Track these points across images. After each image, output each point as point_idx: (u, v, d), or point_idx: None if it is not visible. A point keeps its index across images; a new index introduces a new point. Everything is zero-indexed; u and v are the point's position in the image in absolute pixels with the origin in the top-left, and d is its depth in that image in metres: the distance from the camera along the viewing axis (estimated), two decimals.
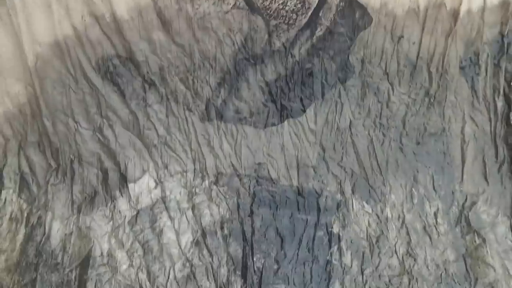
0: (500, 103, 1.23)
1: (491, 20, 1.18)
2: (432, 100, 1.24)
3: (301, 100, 1.24)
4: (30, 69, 1.12)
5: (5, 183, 1.21)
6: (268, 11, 1.15)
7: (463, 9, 1.15)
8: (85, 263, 1.13)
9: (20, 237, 1.16)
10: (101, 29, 1.13)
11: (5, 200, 1.21)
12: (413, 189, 1.23)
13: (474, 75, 1.22)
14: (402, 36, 1.20)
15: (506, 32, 1.18)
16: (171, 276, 1.13)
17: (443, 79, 1.23)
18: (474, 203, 1.23)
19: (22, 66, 1.12)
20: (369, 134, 1.26)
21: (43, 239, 1.15)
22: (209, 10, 1.14)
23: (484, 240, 1.15)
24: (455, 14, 1.16)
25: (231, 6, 1.15)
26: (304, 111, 1.23)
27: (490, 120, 1.25)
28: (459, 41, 1.19)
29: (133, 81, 1.19)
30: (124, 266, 1.12)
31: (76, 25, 1.10)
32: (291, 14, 1.17)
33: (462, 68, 1.22)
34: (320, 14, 1.18)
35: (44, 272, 1.10)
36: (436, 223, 1.20)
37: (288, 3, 1.15)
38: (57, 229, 1.16)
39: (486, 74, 1.22)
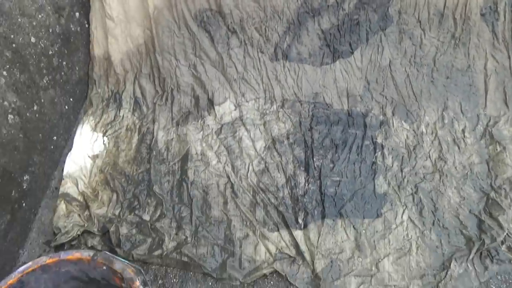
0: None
1: None
2: (457, 42, 1.49)
3: (350, 44, 1.53)
4: (150, 16, 1.52)
5: (123, 104, 1.56)
6: None
7: None
8: (184, 158, 1.43)
9: (135, 140, 1.49)
10: None
11: (123, 116, 1.56)
12: (443, 113, 1.46)
13: (494, 20, 1.47)
14: None
15: None
16: (250, 169, 1.41)
17: (466, 24, 1.49)
18: (496, 122, 1.44)
19: (144, 14, 1.50)
20: (405, 70, 1.52)
21: (152, 142, 1.47)
22: None
23: (504, 148, 1.36)
24: None
25: None
26: (352, 53, 1.52)
27: (509, 57, 1.48)
28: None
29: (220, 29, 1.54)
30: (214, 162, 1.42)
31: None
32: None
33: (482, 15, 1.48)
34: None
35: (155, 163, 1.41)
36: (464, 136, 1.41)
37: None
38: (161, 136, 1.49)
39: (505, 19, 1.46)
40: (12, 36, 1.21)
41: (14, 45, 1.22)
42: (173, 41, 1.53)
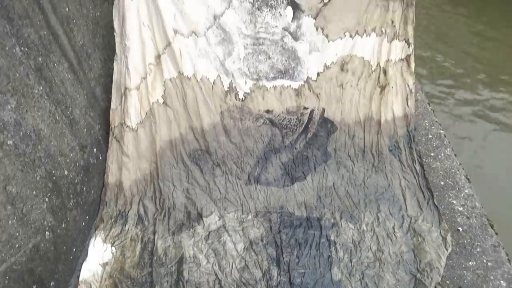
0: (418, 167, 2.10)
1: (400, 124, 2.12)
2: (377, 169, 2.04)
3: (303, 172, 2.04)
4: (156, 153, 2.04)
5: (128, 220, 1.86)
6: (282, 125, 2.17)
7: (382, 120, 2.15)
8: (180, 261, 1.65)
9: (138, 248, 1.74)
10: (194, 136, 2.10)
11: (128, 229, 1.85)
12: (378, 215, 1.86)
13: (398, 153, 2.09)
14: (354, 135, 2.17)
15: (409, 129, 2.16)
16: (233, 267, 1.59)
17: (380, 157, 2.07)
18: (416, 220, 1.87)
19: (151, 152, 1.98)
20: (345, 188, 2.01)
21: (153, 249, 1.73)
22: (250, 125, 2.14)
23: (424, 239, 1.76)
24: (379, 123, 2.17)
25: (261, 122, 2.17)
26: (305, 178, 2.01)
27: (414, 177, 2.07)
28: (385, 137, 2.10)
29: (207, 163, 2.03)
30: (204, 263, 1.66)
31: (181, 132, 2.08)
32: (294, 127, 2.16)
33: (390, 150, 2.09)
34: (309, 126, 2.18)
35: (155, 267, 1.58)
36: (394, 232, 1.80)
37: (292, 121, 2.18)
38: (160, 244, 1.77)
39: (405, 152, 2.13)
40: (53, 171, 1.64)
41: (54, 178, 1.64)
42: (172, 172, 2.02)
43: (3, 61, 1.36)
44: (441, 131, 2.34)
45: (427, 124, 2.39)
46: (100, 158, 2.01)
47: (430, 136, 2.31)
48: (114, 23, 1.86)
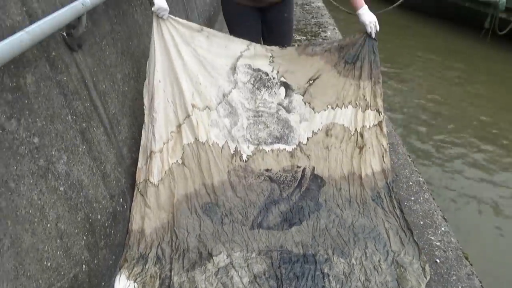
0: (398, 212, 2.40)
1: (379, 178, 2.48)
2: (363, 214, 2.33)
3: (299, 218, 2.31)
4: (173, 205, 2.40)
5: (148, 261, 2.07)
6: (279, 181, 2.57)
7: (363, 175, 2.51)
8: None
9: (157, 284, 1.88)
10: (206, 191, 2.48)
11: (148, 268, 2.08)
12: (365, 250, 2.06)
13: (380, 202, 2.43)
14: (341, 188, 2.54)
15: (388, 182, 2.54)
16: None
17: (365, 205, 2.35)
18: (399, 254, 2.08)
19: (170, 204, 2.32)
20: (336, 230, 2.25)
21: (170, 284, 1.97)
22: (253, 181, 2.54)
23: (405, 269, 1.99)
24: (360, 177, 2.55)
25: (262, 179, 2.57)
26: (301, 223, 2.34)
27: (396, 220, 2.37)
28: (367, 188, 2.43)
29: (216, 214, 2.38)
30: None
31: (195, 187, 2.47)
32: (289, 182, 2.54)
33: (373, 200, 2.43)
34: (302, 181, 2.57)
35: None
36: (380, 264, 2.03)
37: (287, 178, 2.58)
38: (176, 279, 1.95)
39: (386, 200, 2.46)
40: (90, 215, 1.96)
41: (90, 220, 1.97)
42: (187, 221, 2.36)
43: (60, 126, 1.85)
44: (420, 179, 2.72)
45: (407, 172, 2.79)
46: (125, 206, 2.37)
47: (410, 183, 2.68)
48: (144, 99, 2.42)
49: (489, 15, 10.64)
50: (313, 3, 7.77)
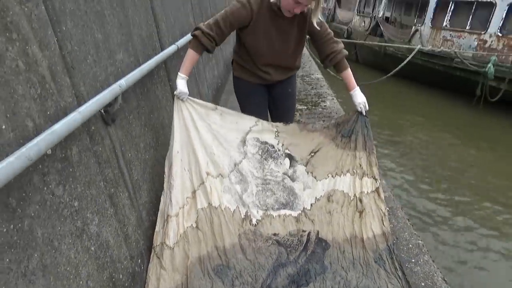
0: (400, 273, 2.54)
1: (380, 240, 2.66)
2: (366, 276, 2.55)
3: (306, 280, 2.46)
4: (187, 267, 2.53)
5: None
6: (286, 245, 2.73)
7: (365, 237, 2.71)
8: None
9: None
10: (218, 253, 2.64)
11: None
12: None
13: (383, 264, 2.61)
14: (344, 251, 2.70)
15: (389, 244, 2.71)
16: None
17: (367, 267, 2.47)
18: None
19: (183, 266, 2.43)
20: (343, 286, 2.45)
21: None
22: (262, 245, 2.71)
23: None
24: (362, 240, 2.72)
25: (270, 243, 2.73)
26: (308, 285, 2.51)
27: (398, 281, 2.47)
28: (369, 251, 2.62)
29: (227, 276, 2.52)
30: None
31: (208, 250, 2.63)
32: (296, 246, 2.71)
33: (375, 262, 2.62)
34: (308, 245, 2.74)
35: None
36: None
37: (294, 242, 2.75)
38: None
39: (389, 263, 2.62)
40: (113, 274, 2.06)
41: (113, 279, 2.08)
42: (199, 282, 2.48)
43: (94, 191, 2.08)
44: (420, 241, 2.88)
45: (407, 235, 2.95)
46: (142, 267, 2.50)
47: (410, 245, 2.83)
48: (165, 168, 2.67)
49: (480, 83, 11.39)
50: (313, 74, 8.39)
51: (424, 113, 11.51)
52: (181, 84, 2.31)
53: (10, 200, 1.41)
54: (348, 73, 2.51)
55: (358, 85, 2.68)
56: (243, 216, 2.78)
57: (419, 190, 6.42)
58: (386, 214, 2.85)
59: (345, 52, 2.49)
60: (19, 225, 1.45)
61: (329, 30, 2.60)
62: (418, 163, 7.65)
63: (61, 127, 1.61)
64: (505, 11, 11.20)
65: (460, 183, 6.72)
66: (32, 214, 1.53)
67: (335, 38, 2.50)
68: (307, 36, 2.61)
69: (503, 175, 6.93)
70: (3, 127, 1.22)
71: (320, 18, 2.27)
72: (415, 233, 3.01)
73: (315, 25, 2.25)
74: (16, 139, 1.27)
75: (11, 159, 1.24)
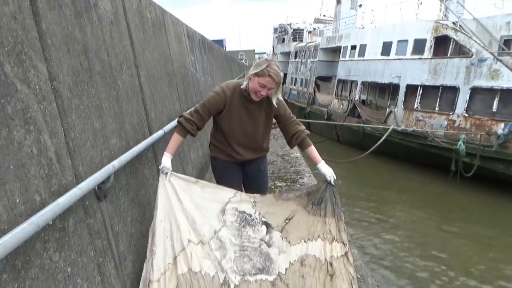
0: None
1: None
2: None
3: None
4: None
5: None
6: None
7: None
8: None
9: None
10: None
11: None
12: None
13: None
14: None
15: None
16: None
17: None
18: None
19: None
20: None
21: None
22: None
23: None
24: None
25: None
26: None
27: None
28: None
29: None
30: None
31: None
32: None
33: None
34: None
35: None
36: None
37: None
38: None
39: None
40: None
41: None
42: None
43: (85, 259, 2.24)
44: None
45: None
46: None
47: None
48: (149, 236, 2.93)
49: (453, 160, 12.01)
50: (292, 153, 8.95)
51: (403, 188, 12.01)
52: (165, 161, 2.71)
53: (16, 262, 1.67)
54: (312, 149, 2.94)
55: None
56: (221, 281, 2.97)
57: (394, 261, 6.60)
58: (355, 277, 3.08)
59: (307, 131, 2.95)
60: (22, 284, 1.71)
61: (292, 114, 3.10)
62: (394, 237, 7.90)
63: (64, 200, 1.95)
64: (468, 94, 12.38)
65: (440, 255, 6.94)
66: (33, 276, 1.79)
67: (297, 120, 2.98)
68: (274, 120, 3.10)
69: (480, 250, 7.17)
70: (17, 200, 1.55)
71: (280, 98, 2.75)
72: None
73: (274, 104, 2.72)
74: (25, 210, 1.58)
75: (24, 225, 1.56)
